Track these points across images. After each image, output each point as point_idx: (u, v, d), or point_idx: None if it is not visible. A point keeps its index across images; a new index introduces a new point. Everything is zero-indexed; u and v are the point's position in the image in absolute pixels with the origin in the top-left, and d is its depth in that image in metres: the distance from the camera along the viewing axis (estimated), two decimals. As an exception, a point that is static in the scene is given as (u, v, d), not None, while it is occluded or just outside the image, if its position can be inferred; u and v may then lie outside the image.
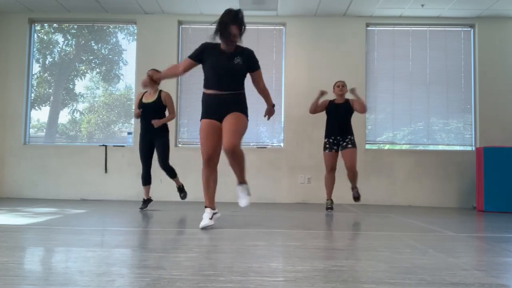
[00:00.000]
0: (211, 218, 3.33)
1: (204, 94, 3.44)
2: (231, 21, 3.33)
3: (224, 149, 3.27)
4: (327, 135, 5.23)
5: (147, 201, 5.05)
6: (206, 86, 3.41)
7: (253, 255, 2.28)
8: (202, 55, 3.41)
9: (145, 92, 4.98)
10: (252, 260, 2.13)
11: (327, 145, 5.20)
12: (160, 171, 5.02)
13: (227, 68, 3.33)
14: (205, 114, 3.41)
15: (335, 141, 5.16)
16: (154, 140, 4.88)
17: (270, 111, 3.60)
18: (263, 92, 3.57)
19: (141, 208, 5.01)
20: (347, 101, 5.20)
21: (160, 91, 4.96)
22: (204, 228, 3.25)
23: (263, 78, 3.57)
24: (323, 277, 1.80)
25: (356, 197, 5.18)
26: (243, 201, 3.44)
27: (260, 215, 4.58)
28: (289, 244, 2.67)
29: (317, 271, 1.91)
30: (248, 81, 3.49)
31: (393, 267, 2.01)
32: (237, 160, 3.34)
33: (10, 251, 2.26)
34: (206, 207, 3.40)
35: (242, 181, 3.49)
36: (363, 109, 5.16)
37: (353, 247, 2.65)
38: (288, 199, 6.67)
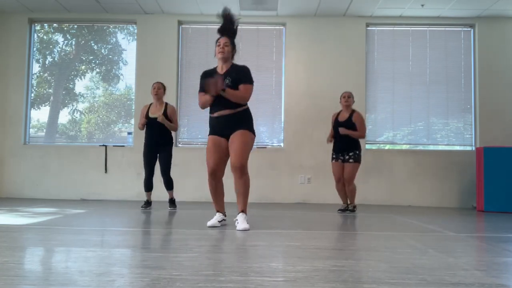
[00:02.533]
0: (220, 221, 3.51)
1: (209, 117, 3.59)
2: (220, 34, 3.59)
3: (231, 167, 3.40)
4: (333, 147, 5.20)
5: (149, 203, 5.15)
6: (209, 110, 3.57)
7: (253, 255, 2.28)
8: (203, 81, 3.53)
9: (151, 105, 5.09)
10: (252, 260, 2.13)
11: (334, 155, 5.18)
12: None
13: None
14: (212, 131, 3.57)
15: (340, 153, 5.13)
16: (159, 151, 5.05)
17: (216, 83, 3.35)
18: (238, 92, 3.42)
19: (142, 207, 5.09)
20: (350, 116, 5.08)
21: (166, 104, 5.10)
22: (211, 227, 3.40)
23: (251, 92, 3.50)
24: (323, 277, 1.80)
25: (350, 210, 5.13)
26: (241, 226, 3.30)
27: (260, 215, 4.58)
28: (289, 244, 2.67)
29: (317, 271, 1.91)
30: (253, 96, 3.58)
31: (393, 267, 2.01)
32: (243, 182, 3.41)
33: (10, 251, 2.26)
34: (217, 211, 3.61)
35: (243, 209, 3.45)
36: (359, 137, 5.10)
37: (353, 247, 2.65)
38: (288, 199, 6.67)
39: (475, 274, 1.91)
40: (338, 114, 5.22)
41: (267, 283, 1.68)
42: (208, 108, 3.57)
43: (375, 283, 1.71)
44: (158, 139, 5.01)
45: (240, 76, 3.48)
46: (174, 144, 6.74)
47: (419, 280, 1.76)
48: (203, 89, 3.49)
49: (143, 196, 5.31)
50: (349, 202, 5.17)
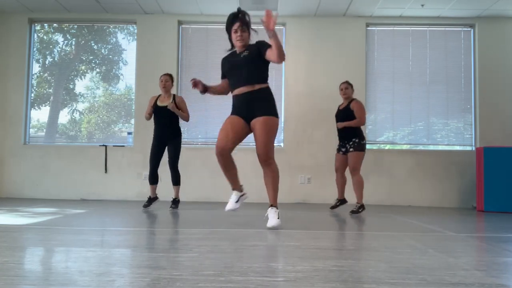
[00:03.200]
0: (237, 201, 3.43)
1: (232, 97, 3.52)
2: (232, 19, 3.40)
3: (258, 158, 3.36)
4: (340, 142, 5.18)
5: (152, 200, 5.11)
6: (231, 90, 3.51)
7: (253, 255, 2.28)
8: (223, 68, 3.55)
9: (159, 96, 5.08)
10: (252, 260, 2.13)
11: (337, 147, 5.19)
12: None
13: (237, 65, 3.39)
14: (233, 111, 3.47)
15: (343, 144, 5.13)
16: (167, 142, 5.02)
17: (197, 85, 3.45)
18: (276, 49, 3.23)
19: (144, 206, 5.06)
20: (348, 105, 5.08)
21: (174, 95, 5.10)
22: (231, 210, 3.39)
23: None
24: (323, 277, 1.80)
25: (354, 211, 4.90)
26: (271, 222, 3.25)
27: (260, 215, 4.58)
28: (289, 244, 2.67)
29: (317, 271, 1.91)
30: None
31: (393, 267, 2.01)
32: (270, 172, 3.36)
33: (10, 251, 2.26)
34: (233, 189, 3.52)
35: (273, 203, 3.39)
36: (358, 124, 5.02)
37: (353, 247, 2.65)
38: (288, 199, 6.67)
39: (475, 274, 1.91)
40: (339, 106, 5.26)
41: (267, 283, 1.68)
42: (223, 94, 3.66)
43: (375, 283, 1.71)
44: (167, 130, 4.98)
45: (259, 45, 3.37)
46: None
47: (419, 280, 1.76)
48: (222, 75, 3.59)
49: (143, 196, 5.31)
50: (356, 201, 4.94)
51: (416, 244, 2.75)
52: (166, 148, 5.04)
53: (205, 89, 3.50)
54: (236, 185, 3.52)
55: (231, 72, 3.44)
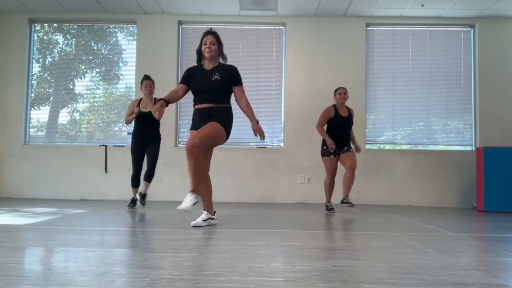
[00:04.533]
0: (191, 206, 3.29)
1: (193, 110, 3.67)
2: (205, 34, 3.63)
3: (186, 146, 3.33)
4: (336, 143, 5.05)
5: (135, 201, 5.11)
6: (194, 104, 3.66)
7: (253, 255, 2.28)
8: (188, 78, 3.65)
9: (140, 100, 5.07)
10: (252, 260, 2.13)
11: (328, 151, 5.06)
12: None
13: (206, 85, 3.53)
14: (192, 125, 3.63)
15: (338, 148, 5.09)
16: (147, 145, 5.03)
17: (257, 128, 3.59)
18: (246, 108, 3.60)
19: (130, 206, 5.05)
20: (349, 112, 5.17)
21: (155, 99, 5.02)
22: (185, 210, 3.25)
23: (246, 93, 3.66)
24: (323, 277, 1.80)
25: (350, 203, 4.96)
26: (184, 204, 3.25)
27: (260, 215, 4.58)
28: (289, 244, 2.67)
29: (317, 271, 1.91)
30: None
31: (393, 267, 2.01)
32: (194, 164, 3.29)
33: (10, 251, 2.26)
34: (191, 191, 3.37)
35: (193, 189, 3.35)
36: None
37: (353, 247, 2.65)
38: (288, 199, 6.67)
39: (475, 274, 1.91)
40: (335, 109, 5.14)
41: (267, 283, 1.68)
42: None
43: (375, 283, 1.71)
44: (147, 135, 5.00)
45: (232, 77, 3.58)
46: (174, 144, 6.78)
47: (419, 280, 1.76)
48: (183, 81, 3.66)
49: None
50: (345, 195, 4.96)
51: (416, 244, 2.75)
52: (146, 150, 5.05)
53: (166, 105, 3.52)
54: (195, 188, 3.38)
55: (199, 90, 3.57)
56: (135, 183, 5.08)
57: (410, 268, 2.00)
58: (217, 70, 3.57)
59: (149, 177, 5.05)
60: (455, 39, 7.02)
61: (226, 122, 3.53)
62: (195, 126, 3.58)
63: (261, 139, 3.63)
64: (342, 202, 5.00)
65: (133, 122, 5.05)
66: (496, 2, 6.28)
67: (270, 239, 2.86)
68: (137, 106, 4.99)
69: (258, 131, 3.59)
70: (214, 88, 3.51)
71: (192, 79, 3.63)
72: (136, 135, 5.04)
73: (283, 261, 2.17)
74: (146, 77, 5.10)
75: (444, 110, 6.93)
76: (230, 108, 3.62)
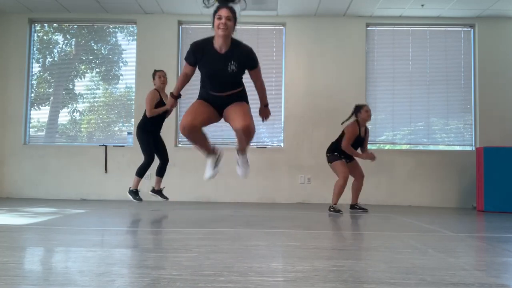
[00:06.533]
0: (215, 167, 3.32)
1: (203, 89, 3.44)
2: (220, 6, 3.14)
3: (240, 129, 3.16)
4: (339, 150, 5.08)
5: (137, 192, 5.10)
6: (204, 87, 3.42)
7: (253, 255, 2.28)
8: (197, 58, 3.26)
9: (156, 91, 5.02)
10: (252, 260, 2.13)
11: (340, 156, 5.08)
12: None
13: (222, 75, 3.25)
14: (204, 97, 3.39)
15: (347, 157, 5.17)
16: (157, 137, 5.09)
17: (264, 112, 3.54)
18: (261, 89, 3.47)
19: (138, 199, 5.03)
20: (366, 131, 5.27)
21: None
22: (212, 177, 3.30)
23: (262, 75, 3.45)
24: (323, 277, 1.80)
25: (365, 209, 5.23)
26: (241, 171, 3.30)
27: (260, 215, 4.58)
28: (289, 244, 2.67)
29: (317, 271, 1.91)
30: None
31: (393, 267, 2.01)
32: (250, 137, 3.26)
33: (10, 251, 2.26)
34: (207, 156, 3.38)
35: (243, 150, 3.37)
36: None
37: (353, 247, 2.65)
38: (288, 199, 6.67)
39: (475, 274, 1.91)
40: (359, 127, 5.13)
41: (267, 283, 1.68)
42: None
43: (375, 283, 1.71)
44: (159, 127, 5.08)
45: (249, 63, 3.27)
46: (174, 144, 6.78)
47: (419, 280, 1.76)
48: (190, 61, 3.27)
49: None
50: (355, 202, 5.27)
51: (416, 244, 2.75)
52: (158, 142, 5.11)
53: (179, 97, 3.46)
54: (209, 150, 3.37)
55: (212, 77, 3.29)
56: (145, 173, 5.03)
57: (410, 268, 2.00)
58: (233, 57, 3.18)
59: (163, 171, 5.10)
60: (455, 39, 7.02)
61: (247, 100, 3.46)
62: (208, 101, 3.35)
63: (263, 121, 3.57)
64: (353, 207, 5.25)
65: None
66: (496, 2, 6.28)
67: (270, 239, 2.86)
68: (160, 99, 4.97)
69: (265, 115, 3.50)
70: (231, 79, 3.27)
71: (203, 61, 3.23)
72: (152, 128, 5.01)
73: (283, 261, 2.17)
74: (160, 70, 5.13)
75: (444, 110, 6.93)
76: (244, 88, 3.47)
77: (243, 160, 3.40)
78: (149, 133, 4.99)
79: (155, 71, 5.11)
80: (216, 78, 3.29)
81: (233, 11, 3.12)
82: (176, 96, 3.46)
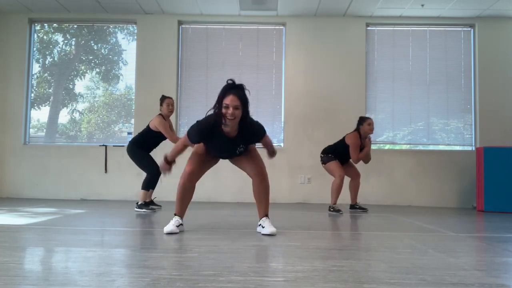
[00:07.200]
0: (177, 226, 3.12)
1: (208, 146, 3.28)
2: (226, 90, 2.87)
3: (256, 175, 3.19)
4: (334, 153, 5.21)
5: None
6: (215, 155, 3.33)
7: (253, 255, 2.28)
8: (200, 139, 3.14)
9: (162, 117, 4.89)
10: (252, 260, 2.13)
11: (336, 158, 5.19)
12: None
13: (229, 154, 3.24)
14: (208, 148, 3.23)
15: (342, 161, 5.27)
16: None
17: (272, 155, 3.51)
18: (268, 145, 3.44)
19: (152, 209, 4.91)
20: (368, 140, 5.32)
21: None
22: (169, 234, 3.03)
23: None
24: (323, 277, 1.80)
25: (364, 209, 5.30)
26: (269, 230, 3.08)
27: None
28: (289, 244, 2.67)
29: (317, 271, 1.91)
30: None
31: (393, 267, 2.01)
32: (266, 186, 3.25)
33: (10, 251, 2.26)
34: (175, 215, 3.20)
35: (267, 212, 3.26)
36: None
37: (353, 247, 2.65)
38: (288, 199, 6.67)
39: (475, 274, 1.91)
40: (360, 138, 5.22)
41: (267, 283, 1.68)
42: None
43: (375, 283, 1.71)
44: (156, 147, 5.02)
45: (256, 139, 3.23)
46: (173, 144, 6.77)
47: (419, 280, 1.76)
48: (193, 140, 3.12)
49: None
50: (355, 202, 5.35)
51: (416, 244, 2.75)
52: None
53: (172, 162, 3.36)
54: (182, 212, 3.26)
55: (220, 154, 3.28)
56: (155, 184, 4.93)
57: (410, 268, 2.00)
58: (242, 141, 3.10)
59: (154, 184, 4.94)
60: (455, 39, 7.02)
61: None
62: (212, 151, 3.25)
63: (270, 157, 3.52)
64: (353, 207, 5.33)
65: (135, 134, 5.03)
66: (496, 2, 6.28)
67: (270, 239, 2.86)
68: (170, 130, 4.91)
69: (272, 156, 3.49)
70: (239, 154, 3.26)
71: (210, 143, 3.14)
72: (146, 148, 4.90)
73: (283, 261, 2.17)
74: (167, 96, 4.99)
75: (444, 110, 6.93)
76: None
77: (268, 223, 3.15)
78: (143, 149, 4.89)
79: (164, 97, 4.95)
80: (223, 156, 3.33)
81: (241, 97, 2.86)
82: (171, 162, 3.31)
